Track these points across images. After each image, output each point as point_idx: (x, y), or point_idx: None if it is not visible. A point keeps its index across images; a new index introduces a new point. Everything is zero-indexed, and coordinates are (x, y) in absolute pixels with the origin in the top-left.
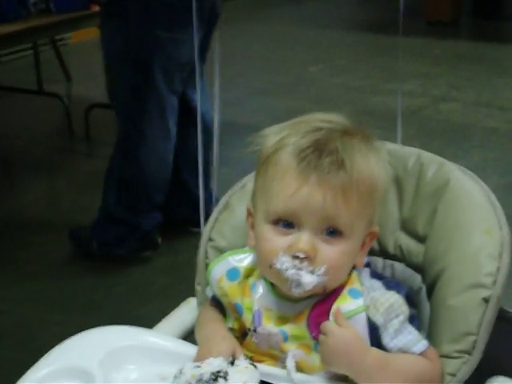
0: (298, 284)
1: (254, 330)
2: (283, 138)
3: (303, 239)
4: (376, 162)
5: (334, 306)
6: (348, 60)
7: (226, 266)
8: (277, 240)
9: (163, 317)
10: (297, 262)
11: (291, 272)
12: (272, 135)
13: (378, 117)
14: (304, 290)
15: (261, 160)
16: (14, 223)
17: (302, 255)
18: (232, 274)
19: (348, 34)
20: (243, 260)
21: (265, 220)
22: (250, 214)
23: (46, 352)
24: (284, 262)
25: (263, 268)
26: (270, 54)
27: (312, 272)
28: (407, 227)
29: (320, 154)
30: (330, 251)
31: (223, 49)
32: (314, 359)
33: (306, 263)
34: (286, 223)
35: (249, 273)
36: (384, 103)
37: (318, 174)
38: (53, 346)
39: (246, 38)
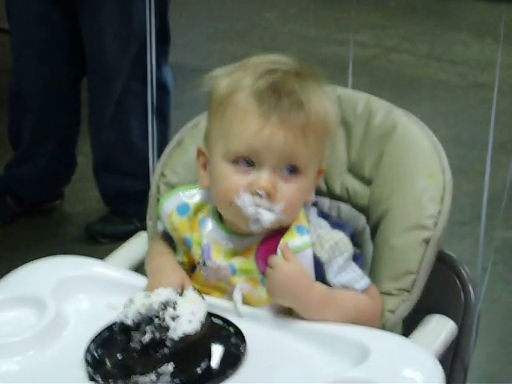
0: (257, 221)
1: (203, 264)
2: (238, 80)
3: (264, 177)
4: (328, 102)
5: (282, 242)
6: (302, 9)
7: (177, 201)
8: (237, 178)
9: None
10: (257, 199)
11: (251, 209)
12: (223, 77)
13: (330, 66)
14: (262, 227)
15: (215, 101)
16: None
17: (262, 192)
18: (182, 209)
19: None
20: (193, 196)
21: (223, 159)
22: (201, 153)
23: None
24: (244, 200)
25: (222, 206)
26: (227, 1)
27: (270, 209)
28: (354, 170)
29: (279, 95)
30: (288, 189)
31: None
32: (261, 293)
33: (265, 201)
34: (247, 161)
35: (198, 208)
36: (336, 53)
37: (278, 114)
38: None
39: None
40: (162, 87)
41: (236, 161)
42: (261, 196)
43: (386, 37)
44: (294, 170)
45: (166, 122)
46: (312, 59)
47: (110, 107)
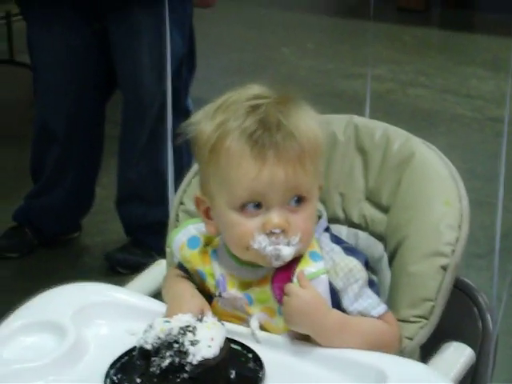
0: (278, 257)
1: (220, 295)
2: (223, 123)
3: (275, 215)
4: (313, 122)
5: (298, 269)
6: (318, 43)
7: (187, 234)
8: (248, 223)
9: None
10: (273, 238)
11: (270, 249)
12: (206, 121)
13: (346, 100)
14: (284, 262)
15: (203, 149)
16: None
17: (277, 230)
18: (192, 242)
19: (319, 17)
20: (203, 228)
21: (229, 207)
22: (200, 202)
23: None
24: (261, 242)
25: (239, 251)
26: (241, 35)
27: (288, 243)
28: (372, 198)
29: (269, 132)
30: (300, 219)
31: (196, 30)
32: (278, 322)
33: (281, 237)
34: (254, 204)
35: (209, 241)
36: (352, 87)
37: (274, 152)
38: None
39: (215, 18)
40: (189, 116)
41: (243, 206)
42: (276, 234)
43: (402, 71)
44: (300, 200)
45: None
46: (328, 93)
47: (142, 139)
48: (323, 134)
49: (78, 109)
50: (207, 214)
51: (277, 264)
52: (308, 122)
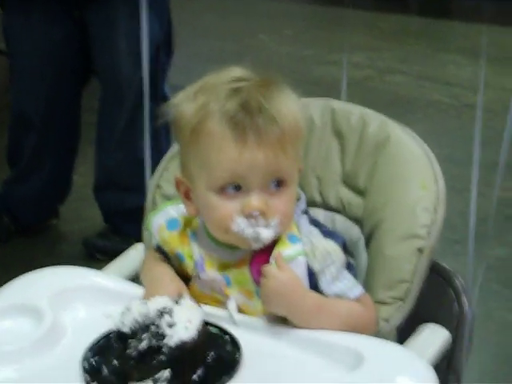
0: (257, 240)
1: (197, 276)
2: (204, 105)
3: (254, 198)
4: (295, 106)
5: (275, 251)
6: (295, 31)
7: (166, 216)
8: (228, 205)
9: None
10: (252, 220)
11: (249, 231)
12: (187, 103)
13: (324, 86)
14: (263, 244)
15: (184, 130)
16: None
17: (256, 213)
18: (172, 223)
19: (297, 5)
20: (181, 210)
21: (209, 189)
22: (181, 183)
23: None
24: (240, 224)
25: (219, 234)
26: (219, 23)
27: (267, 226)
28: (349, 181)
29: (251, 115)
30: (280, 202)
31: (173, 17)
32: (256, 304)
33: (260, 219)
34: (234, 186)
35: (188, 222)
36: (330, 73)
37: (254, 134)
38: None
39: (195, 8)
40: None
41: (222, 189)
42: (255, 217)
43: (380, 58)
44: (280, 184)
45: (170, 137)
46: (305, 80)
47: (120, 126)
48: (304, 119)
49: (55, 96)
50: (187, 196)
51: (256, 246)
52: (290, 105)
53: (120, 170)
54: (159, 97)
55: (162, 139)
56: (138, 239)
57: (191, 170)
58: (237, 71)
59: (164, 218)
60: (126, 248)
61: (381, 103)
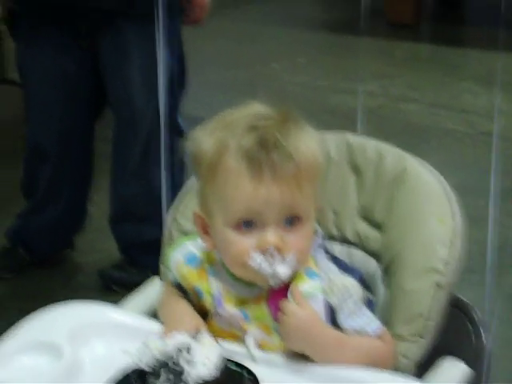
0: (275, 276)
1: (216, 312)
2: (222, 141)
3: (270, 233)
4: (312, 142)
5: (293, 286)
6: (309, 59)
7: (184, 251)
8: (244, 241)
9: None
10: (268, 256)
11: (266, 267)
12: (206, 138)
13: (338, 115)
14: (281, 281)
15: (202, 165)
16: None
17: (272, 249)
18: (190, 259)
19: (310, 33)
20: (201, 245)
21: (226, 225)
22: (198, 218)
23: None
24: (257, 259)
25: (236, 269)
26: (232, 51)
27: (283, 262)
28: (365, 214)
29: (267, 151)
30: (295, 238)
31: (186, 46)
32: (274, 340)
33: (276, 255)
34: (250, 222)
35: (206, 258)
36: (343, 102)
37: (270, 170)
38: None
39: (208, 34)
40: (181, 134)
41: (239, 224)
42: (271, 252)
43: (393, 86)
44: (295, 220)
45: (184, 169)
46: (319, 109)
47: (134, 157)
48: (323, 155)
49: (69, 127)
50: (205, 231)
51: (274, 283)
52: (308, 142)
53: (135, 201)
54: (174, 129)
55: (177, 171)
56: (155, 271)
57: (209, 206)
58: (255, 107)
59: (182, 253)
60: (143, 280)
61: (394, 132)
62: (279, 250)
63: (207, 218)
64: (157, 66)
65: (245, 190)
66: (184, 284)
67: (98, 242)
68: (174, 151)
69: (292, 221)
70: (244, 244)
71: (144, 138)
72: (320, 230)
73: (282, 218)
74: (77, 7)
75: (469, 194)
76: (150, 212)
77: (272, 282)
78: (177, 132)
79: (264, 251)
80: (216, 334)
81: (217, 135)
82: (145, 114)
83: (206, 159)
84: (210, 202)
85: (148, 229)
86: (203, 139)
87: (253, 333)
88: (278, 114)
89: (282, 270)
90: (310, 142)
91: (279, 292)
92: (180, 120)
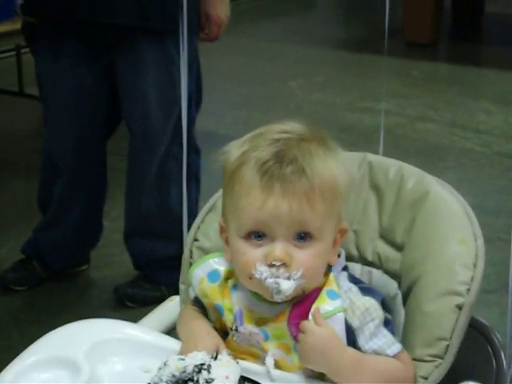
0: (278, 291)
1: (236, 330)
2: (244, 154)
3: (277, 247)
4: (334, 162)
5: (314, 306)
6: (326, 77)
7: (207, 268)
8: (252, 252)
9: None
10: (274, 270)
11: (270, 281)
12: (234, 150)
13: (355, 134)
14: (285, 296)
15: (224, 176)
16: None
17: (277, 263)
18: (213, 276)
19: (327, 51)
20: (224, 262)
21: (237, 235)
22: (223, 229)
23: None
24: (262, 272)
25: (243, 280)
26: (249, 68)
27: (289, 278)
28: (386, 235)
29: (280, 164)
30: (304, 255)
31: (202, 62)
32: (293, 359)
33: (282, 270)
34: (258, 235)
35: (229, 275)
36: (361, 121)
37: (281, 184)
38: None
39: (224, 51)
40: (197, 151)
41: (248, 235)
42: (277, 266)
43: (410, 105)
44: (306, 236)
45: (199, 187)
46: (336, 127)
47: (150, 174)
48: (346, 175)
49: (84, 141)
50: (227, 241)
51: (278, 298)
52: (328, 162)
53: (150, 218)
54: (191, 146)
55: (192, 187)
56: (169, 287)
57: (227, 216)
58: (287, 124)
59: (205, 270)
60: (157, 296)
61: (412, 151)
62: (285, 265)
63: (226, 229)
64: (173, 82)
65: (255, 201)
66: (205, 301)
67: (114, 257)
68: (191, 168)
69: (300, 236)
70: (251, 255)
71: (160, 155)
72: (343, 252)
73: (292, 233)
74: (93, 23)
75: (484, 215)
76: (165, 229)
77: (276, 298)
78: (194, 149)
79: (270, 265)
80: (235, 352)
81: (243, 148)
82: (161, 131)
83: (228, 169)
84: (227, 213)
85: (162, 246)
86: (232, 152)
87: (272, 352)
88: (306, 132)
89: (286, 286)
90: (330, 162)
91: (300, 311)
92: (195, 136)
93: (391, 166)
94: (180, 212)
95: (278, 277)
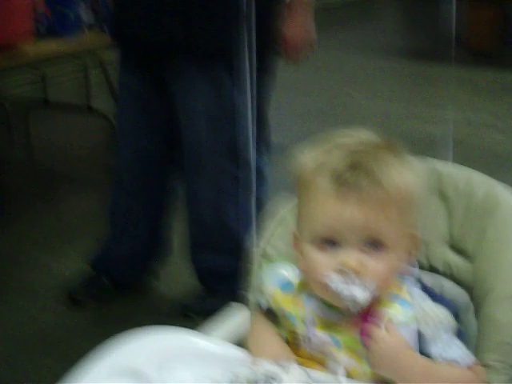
0: (354, 302)
1: (308, 339)
2: (319, 162)
3: (351, 257)
4: (409, 173)
5: (385, 314)
6: (388, 86)
7: (279, 278)
8: (325, 260)
9: None
10: (348, 278)
11: (344, 290)
12: (308, 160)
13: (420, 144)
14: (361, 307)
15: (298, 184)
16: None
17: (350, 271)
18: (286, 286)
19: (389, 60)
20: (294, 271)
21: (310, 242)
22: (297, 240)
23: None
24: (334, 279)
25: (316, 288)
26: (310, 78)
27: (364, 288)
28: (456, 245)
29: (357, 174)
30: (378, 265)
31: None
32: (364, 367)
33: (356, 279)
34: (331, 242)
35: (302, 285)
36: (425, 130)
37: (357, 195)
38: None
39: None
40: (260, 175)
41: (321, 243)
42: (349, 274)
43: (476, 114)
44: (379, 246)
45: (263, 209)
46: (401, 137)
47: (203, 187)
48: (420, 186)
49: (150, 159)
50: (300, 251)
51: (354, 309)
52: (403, 172)
53: (210, 233)
54: (241, 161)
55: (250, 205)
56: (233, 300)
57: (300, 224)
58: (361, 133)
59: (277, 279)
60: (221, 307)
61: (479, 161)
62: (357, 272)
63: (300, 237)
64: (220, 96)
65: (329, 209)
66: (277, 311)
67: (179, 270)
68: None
69: (374, 246)
70: (323, 262)
71: (211, 167)
72: (416, 262)
73: (364, 241)
74: (141, 42)
75: None
76: (225, 243)
77: (351, 307)
78: (257, 173)
79: (341, 272)
80: (305, 360)
81: (318, 157)
82: (212, 149)
83: (302, 178)
84: (301, 221)
85: (224, 260)
86: (305, 160)
87: (343, 360)
88: (380, 141)
89: (360, 294)
90: (405, 172)
91: (371, 319)
92: (262, 162)
93: (461, 175)
94: (237, 229)
95: (353, 286)
